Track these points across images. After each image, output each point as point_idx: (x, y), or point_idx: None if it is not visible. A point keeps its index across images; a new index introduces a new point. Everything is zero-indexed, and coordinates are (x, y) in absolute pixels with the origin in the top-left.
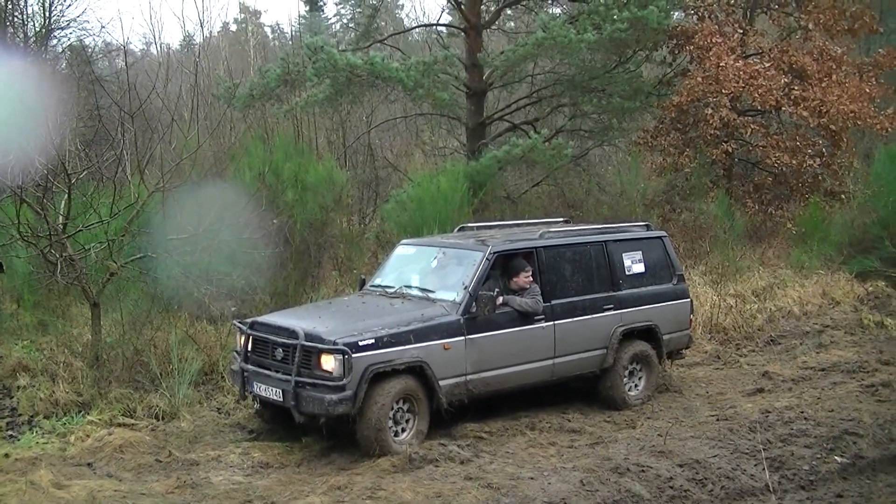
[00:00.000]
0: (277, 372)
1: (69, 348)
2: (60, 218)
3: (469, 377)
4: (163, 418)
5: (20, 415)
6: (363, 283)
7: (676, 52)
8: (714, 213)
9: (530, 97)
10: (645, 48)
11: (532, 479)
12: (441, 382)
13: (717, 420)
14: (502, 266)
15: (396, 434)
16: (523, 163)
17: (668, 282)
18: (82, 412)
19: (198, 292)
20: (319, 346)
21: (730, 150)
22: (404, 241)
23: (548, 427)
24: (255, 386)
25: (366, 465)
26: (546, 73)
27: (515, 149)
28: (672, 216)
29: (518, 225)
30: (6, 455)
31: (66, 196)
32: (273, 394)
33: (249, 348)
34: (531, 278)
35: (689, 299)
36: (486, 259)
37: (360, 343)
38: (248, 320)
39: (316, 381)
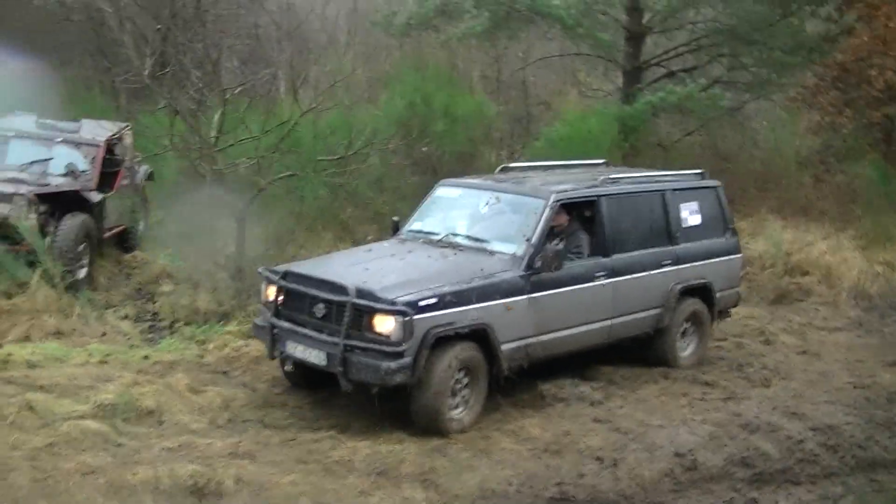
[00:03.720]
0: (318, 332)
1: (213, 260)
2: (213, 132)
3: (530, 340)
4: None
5: (161, 320)
6: (397, 226)
7: (844, 8)
8: (869, 178)
9: (689, 45)
10: (811, 3)
11: (661, 427)
12: (502, 347)
13: (854, 388)
14: None
15: (451, 408)
16: (677, 111)
17: (722, 235)
18: (221, 322)
19: (343, 214)
20: (374, 305)
21: (891, 113)
22: (445, 181)
23: (681, 377)
24: (289, 346)
25: (492, 401)
26: (707, 22)
27: (671, 96)
28: (825, 177)
29: (562, 167)
30: (146, 357)
31: (220, 111)
32: (314, 357)
33: (280, 302)
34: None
35: (740, 255)
36: (549, 208)
37: (422, 303)
38: (280, 269)
39: (369, 344)
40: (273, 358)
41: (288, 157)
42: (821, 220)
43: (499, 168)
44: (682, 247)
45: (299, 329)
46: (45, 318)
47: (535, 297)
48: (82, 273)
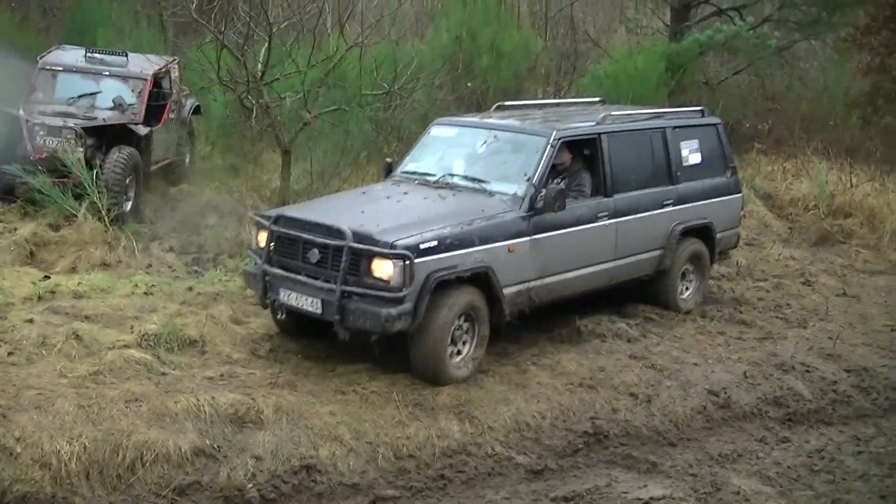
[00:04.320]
0: (313, 278)
1: (258, 193)
2: (259, 66)
3: (532, 284)
4: None
5: (206, 252)
6: (390, 168)
7: None
8: None
9: None
10: None
11: (696, 365)
12: (504, 291)
13: (892, 330)
14: None
15: (452, 356)
16: (725, 49)
17: (722, 174)
18: None
19: (387, 148)
20: (373, 248)
21: None
22: (441, 119)
23: (718, 316)
24: (282, 293)
25: (530, 335)
26: None
27: (718, 34)
28: (873, 119)
29: (558, 105)
30: (189, 288)
31: (266, 45)
32: (308, 304)
33: (272, 247)
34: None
35: (741, 194)
36: (551, 146)
37: (422, 245)
38: (272, 213)
39: (367, 290)
40: (266, 307)
41: (333, 92)
42: (866, 162)
43: (494, 106)
44: (683, 186)
45: (292, 276)
46: (91, 249)
47: (537, 239)
48: (129, 206)
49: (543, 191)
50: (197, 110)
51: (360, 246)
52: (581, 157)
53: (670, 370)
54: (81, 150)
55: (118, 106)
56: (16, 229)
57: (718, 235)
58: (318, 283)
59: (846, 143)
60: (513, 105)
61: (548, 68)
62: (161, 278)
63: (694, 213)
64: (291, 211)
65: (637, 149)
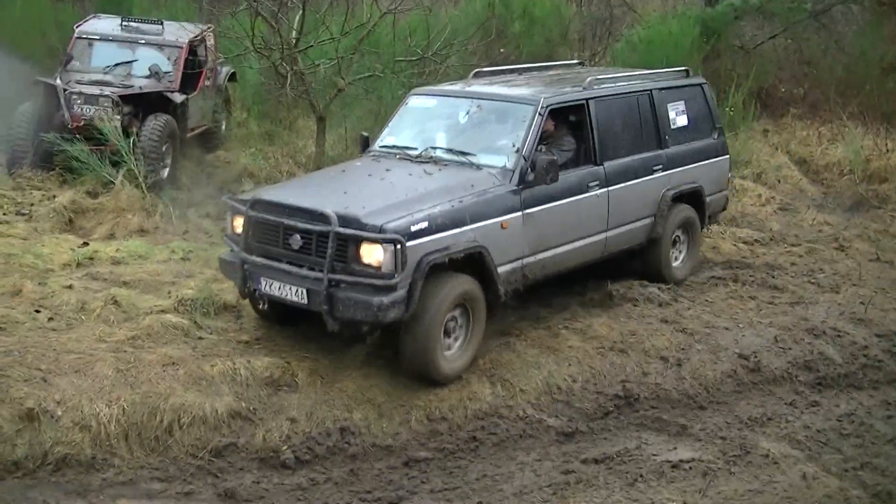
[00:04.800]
0: (296, 265)
1: (293, 159)
2: (293, 33)
3: (526, 260)
4: None
5: None
6: (367, 142)
7: None
8: None
9: None
10: None
11: (727, 329)
12: (498, 270)
13: None
14: None
15: (445, 349)
16: (760, 14)
17: (709, 136)
18: None
19: None
20: (361, 233)
21: None
22: (418, 89)
23: (750, 281)
24: (263, 283)
25: (562, 299)
26: None
27: None
28: None
29: (536, 69)
30: None
31: (301, 12)
32: (293, 294)
33: (250, 233)
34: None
35: (728, 156)
36: (539, 114)
37: (413, 227)
38: (247, 197)
39: (357, 278)
40: (245, 297)
41: (367, 58)
42: None
43: (472, 73)
44: (672, 150)
45: (274, 264)
46: (128, 216)
47: (529, 213)
48: (165, 173)
49: (533, 162)
50: (232, 77)
51: (347, 231)
52: (566, 123)
53: (701, 334)
54: (118, 117)
55: (154, 74)
56: (55, 197)
57: (708, 199)
58: (303, 271)
59: (882, 108)
60: (491, 71)
61: (582, 33)
62: (197, 244)
63: (683, 178)
64: (268, 194)
65: (625, 113)
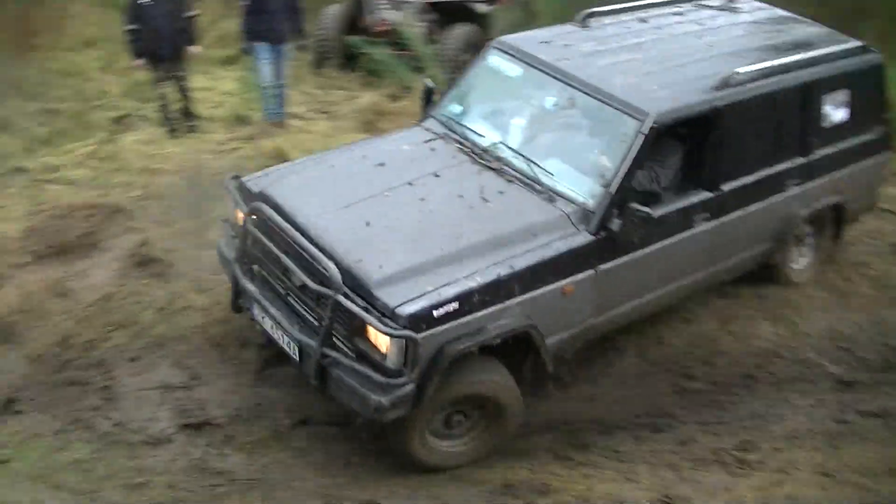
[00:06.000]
0: (292, 309)
1: None
2: None
3: (589, 323)
4: None
5: None
6: (430, 96)
7: None
8: None
9: None
10: None
11: None
12: (551, 341)
13: None
14: None
15: (440, 438)
16: None
17: (871, 131)
18: None
19: None
20: (364, 316)
21: None
22: (500, 42)
23: None
24: (256, 311)
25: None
26: None
27: None
28: None
29: (655, 5)
30: None
31: None
32: (284, 343)
33: (248, 240)
34: None
35: (889, 152)
36: (642, 134)
37: (438, 311)
38: (255, 182)
39: (357, 362)
40: (237, 310)
41: None
42: None
43: (582, 14)
44: (817, 155)
45: (268, 294)
46: None
47: (604, 270)
48: None
49: (622, 201)
50: None
51: (349, 305)
52: (675, 133)
53: None
54: (422, 24)
55: None
56: (356, 98)
57: (853, 207)
58: (299, 320)
59: None
60: (607, 10)
61: None
62: None
63: (825, 190)
64: (280, 188)
65: (763, 118)
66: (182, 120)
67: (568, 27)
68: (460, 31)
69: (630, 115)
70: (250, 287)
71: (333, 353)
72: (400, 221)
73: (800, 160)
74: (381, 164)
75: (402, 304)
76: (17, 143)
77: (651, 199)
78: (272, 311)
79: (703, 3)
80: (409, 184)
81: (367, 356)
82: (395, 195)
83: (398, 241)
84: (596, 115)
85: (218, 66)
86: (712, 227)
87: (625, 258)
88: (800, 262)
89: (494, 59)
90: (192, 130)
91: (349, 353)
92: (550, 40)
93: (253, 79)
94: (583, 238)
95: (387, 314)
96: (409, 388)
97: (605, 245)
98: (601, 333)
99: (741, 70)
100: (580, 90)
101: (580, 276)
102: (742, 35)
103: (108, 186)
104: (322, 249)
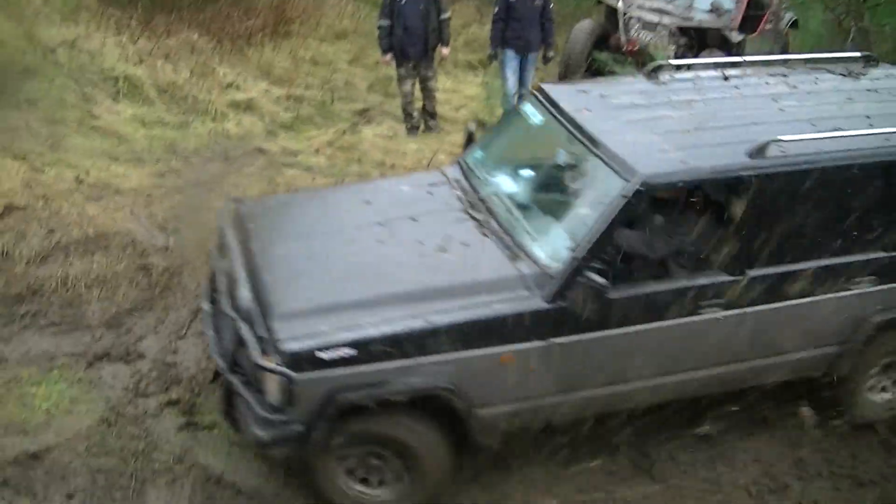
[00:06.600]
0: (234, 317)
1: None
2: None
3: (546, 401)
4: None
5: None
6: (471, 139)
7: None
8: None
9: None
10: None
11: None
12: (484, 412)
13: None
14: None
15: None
16: None
17: None
18: None
19: None
20: (253, 342)
21: None
22: (539, 86)
23: None
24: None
25: None
26: None
27: None
28: None
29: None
30: None
31: None
32: (214, 353)
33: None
34: None
35: None
36: (623, 197)
37: (323, 354)
38: (241, 210)
39: (255, 391)
40: None
41: None
42: None
43: (650, 66)
44: None
45: (216, 301)
46: None
47: (561, 344)
48: None
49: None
50: (794, 24)
51: (242, 331)
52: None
53: None
54: (673, 47)
55: (716, 9)
56: None
57: None
58: (233, 327)
59: None
60: (675, 65)
61: None
62: None
63: None
64: (256, 214)
65: (825, 198)
66: (423, 118)
67: (632, 78)
68: (710, 58)
69: (617, 174)
70: (204, 305)
71: (234, 379)
72: (341, 260)
73: (872, 255)
74: (367, 203)
75: (287, 340)
76: (261, 125)
77: (597, 296)
78: (212, 317)
79: (828, 67)
80: (379, 224)
81: (257, 389)
82: (359, 234)
83: (326, 278)
84: (592, 170)
85: (464, 70)
86: (730, 315)
87: (592, 335)
88: (882, 395)
89: (528, 106)
90: (431, 129)
91: (247, 382)
92: (590, 90)
93: (497, 85)
94: (533, 304)
95: (277, 349)
96: (295, 427)
97: (563, 316)
98: (575, 417)
99: (787, 137)
100: (582, 142)
101: (524, 345)
102: (840, 102)
103: (342, 175)
104: (252, 275)
